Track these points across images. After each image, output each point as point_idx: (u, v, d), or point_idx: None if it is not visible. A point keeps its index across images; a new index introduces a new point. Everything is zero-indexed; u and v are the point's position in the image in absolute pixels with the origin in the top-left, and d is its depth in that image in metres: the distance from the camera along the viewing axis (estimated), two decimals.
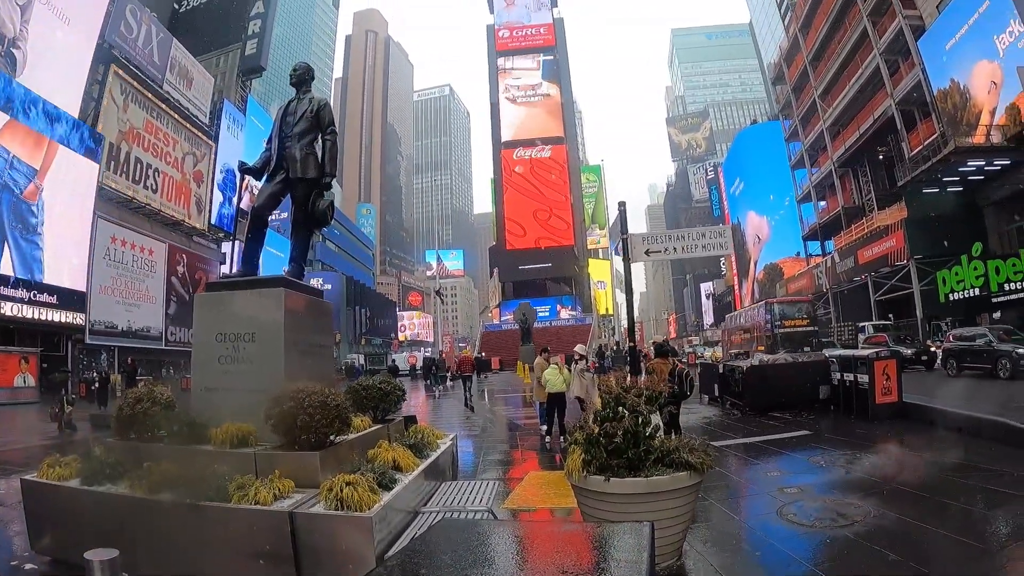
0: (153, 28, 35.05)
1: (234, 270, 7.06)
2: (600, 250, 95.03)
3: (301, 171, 6.63)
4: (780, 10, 55.57)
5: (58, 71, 27.68)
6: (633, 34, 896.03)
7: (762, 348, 30.50)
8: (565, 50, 77.06)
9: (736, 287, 73.29)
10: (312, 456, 4.76)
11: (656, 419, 4.54)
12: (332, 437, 5.06)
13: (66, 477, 5.06)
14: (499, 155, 72.92)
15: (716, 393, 15.22)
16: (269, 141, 6.95)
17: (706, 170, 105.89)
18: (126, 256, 31.76)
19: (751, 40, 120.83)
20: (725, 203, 77.70)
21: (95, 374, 25.97)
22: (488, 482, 6.22)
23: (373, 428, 6.21)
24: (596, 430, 4.24)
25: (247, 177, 7.31)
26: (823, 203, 44.95)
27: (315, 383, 5.04)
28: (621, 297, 76.95)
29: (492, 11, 78.98)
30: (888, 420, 10.78)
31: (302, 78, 7.02)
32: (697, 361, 32.20)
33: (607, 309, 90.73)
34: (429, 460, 6.09)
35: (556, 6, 79.23)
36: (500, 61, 75.86)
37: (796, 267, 52.74)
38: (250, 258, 6.84)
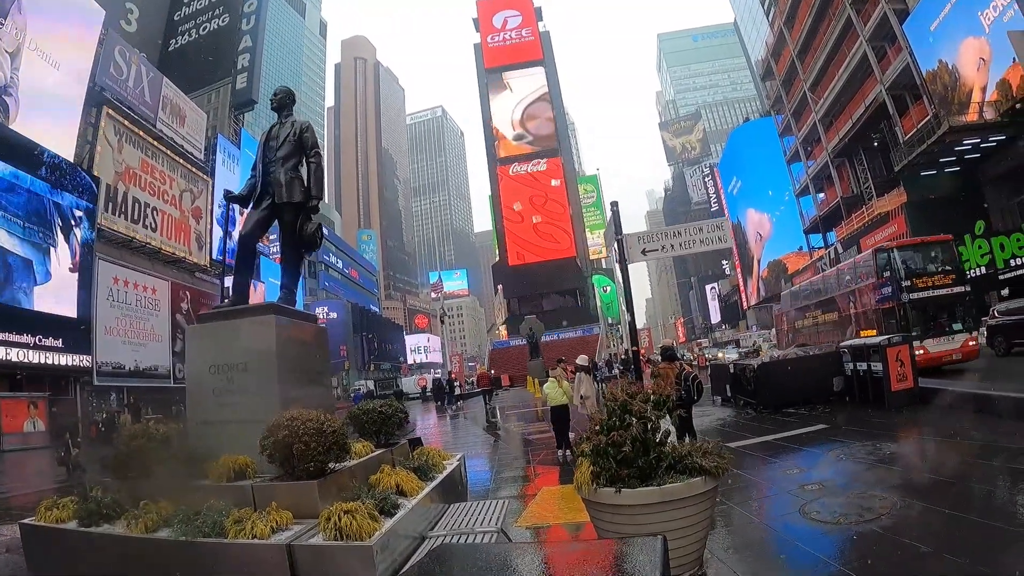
0: (143, 68, 35.20)
1: (226, 301, 6.93)
2: (603, 260, 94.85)
3: (287, 195, 6.53)
4: (764, 6, 55.63)
5: (51, 116, 27.74)
6: (620, 42, 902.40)
7: (871, 332, 16.23)
8: (553, 63, 77.22)
9: (741, 286, 72.99)
10: (310, 485, 4.61)
11: (666, 424, 4.36)
12: (331, 464, 4.91)
13: (64, 519, 4.98)
14: (495, 171, 72.96)
15: (728, 394, 14.97)
16: (254, 168, 6.84)
17: (703, 172, 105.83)
18: (129, 296, 31.71)
19: (737, 39, 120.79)
20: (724, 203, 77.52)
21: (103, 415, 25.83)
22: (499, 500, 6.04)
23: (375, 453, 6.07)
24: (603, 440, 4.05)
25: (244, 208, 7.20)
26: (822, 195, 44.83)
27: (311, 410, 4.89)
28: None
29: (478, 29, 79.41)
30: (905, 407, 10.61)
31: (283, 102, 6.94)
32: (707, 363, 31.70)
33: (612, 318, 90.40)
34: (435, 482, 5.94)
35: (541, 20, 79.57)
36: (489, 78, 76.15)
37: (800, 261, 52.44)
38: (240, 287, 6.72)
